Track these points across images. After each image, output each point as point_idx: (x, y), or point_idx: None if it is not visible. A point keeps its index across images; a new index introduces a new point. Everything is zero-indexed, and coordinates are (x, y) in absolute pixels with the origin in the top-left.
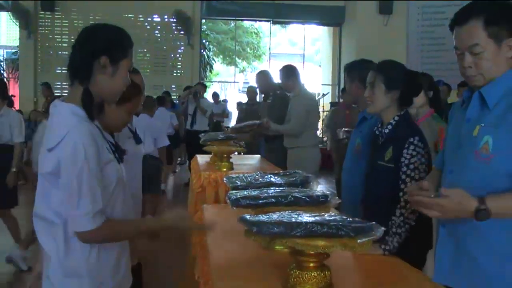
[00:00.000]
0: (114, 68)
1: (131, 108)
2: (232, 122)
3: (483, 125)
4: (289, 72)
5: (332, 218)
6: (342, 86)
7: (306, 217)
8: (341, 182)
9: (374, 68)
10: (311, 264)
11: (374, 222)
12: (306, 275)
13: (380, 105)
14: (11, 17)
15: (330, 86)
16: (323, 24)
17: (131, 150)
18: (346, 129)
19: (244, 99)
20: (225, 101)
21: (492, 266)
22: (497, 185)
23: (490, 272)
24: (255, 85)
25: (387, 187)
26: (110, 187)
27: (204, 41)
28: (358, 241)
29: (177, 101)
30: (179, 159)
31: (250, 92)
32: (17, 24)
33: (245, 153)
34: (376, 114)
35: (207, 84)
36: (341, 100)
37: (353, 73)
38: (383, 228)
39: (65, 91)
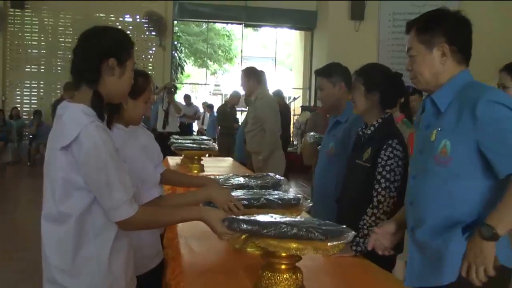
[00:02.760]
0: (121, 69)
1: (146, 98)
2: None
3: (439, 129)
4: (250, 74)
5: (304, 220)
6: (313, 90)
7: (278, 218)
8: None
9: (354, 72)
10: (283, 266)
11: (344, 226)
12: (278, 277)
13: (361, 107)
14: None
15: (301, 90)
16: (295, 28)
17: None
18: (312, 133)
19: (214, 101)
20: (210, 106)
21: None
22: (457, 188)
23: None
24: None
25: (362, 186)
26: None
27: (175, 42)
28: (329, 244)
29: None
30: None
31: (232, 97)
32: None
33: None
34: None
35: (178, 86)
36: (316, 104)
37: (337, 76)
38: (353, 232)
39: (34, 90)
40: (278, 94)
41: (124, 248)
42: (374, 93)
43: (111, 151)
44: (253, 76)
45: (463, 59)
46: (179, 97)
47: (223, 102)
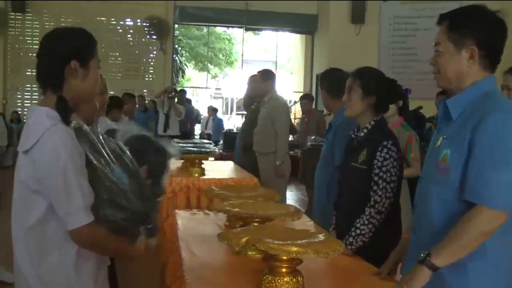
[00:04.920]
0: (85, 70)
1: (98, 95)
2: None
3: (445, 137)
4: (267, 75)
5: None
6: (314, 93)
7: None
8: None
9: (350, 74)
10: (284, 270)
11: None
12: (279, 281)
13: (356, 109)
14: None
15: (302, 94)
16: (296, 32)
17: None
18: (313, 137)
19: (215, 105)
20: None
21: (454, 278)
22: (456, 198)
23: (453, 283)
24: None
25: (360, 188)
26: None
27: (176, 46)
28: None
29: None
30: None
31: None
32: None
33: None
34: (352, 118)
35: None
36: (317, 108)
37: (323, 82)
38: None
39: (35, 94)
40: None
41: (92, 256)
42: (372, 96)
43: (72, 154)
44: (269, 78)
45: (490, 64)
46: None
47: None
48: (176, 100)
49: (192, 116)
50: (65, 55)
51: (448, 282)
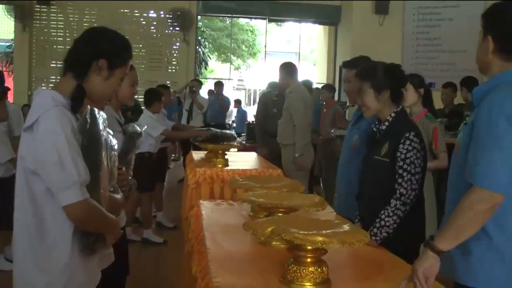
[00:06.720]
0: (109, 73)
1: (128, 87)
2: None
3: (465, 122)
4: (287, 68)
5: None
6: (337, 85)
7: None
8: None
9: (356, 76)
10: (309, 260)
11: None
12: (304, 270)
13: (375, 109)
14: (6, 10)
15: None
16: (319, 23)
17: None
18: (333, 130)
19: (237, 96)
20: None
21: (460, 260)
22: (463, 180)
23: (456, 260)
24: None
25: (382, 181)
26: None
27: (199, 37)
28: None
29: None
30: (173, 155)
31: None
32: (12, 17)
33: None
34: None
35: (202, 80)
36: (340, 99)
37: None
38: None
39: None
40: (306, 84)
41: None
42: (385, 91)
43: (69, 135)
44: (289, 71)
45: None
46: (203, 92)
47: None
48: (214, 91)
49: (227, 107)
50: (98, 50)
51: (455, 264)
